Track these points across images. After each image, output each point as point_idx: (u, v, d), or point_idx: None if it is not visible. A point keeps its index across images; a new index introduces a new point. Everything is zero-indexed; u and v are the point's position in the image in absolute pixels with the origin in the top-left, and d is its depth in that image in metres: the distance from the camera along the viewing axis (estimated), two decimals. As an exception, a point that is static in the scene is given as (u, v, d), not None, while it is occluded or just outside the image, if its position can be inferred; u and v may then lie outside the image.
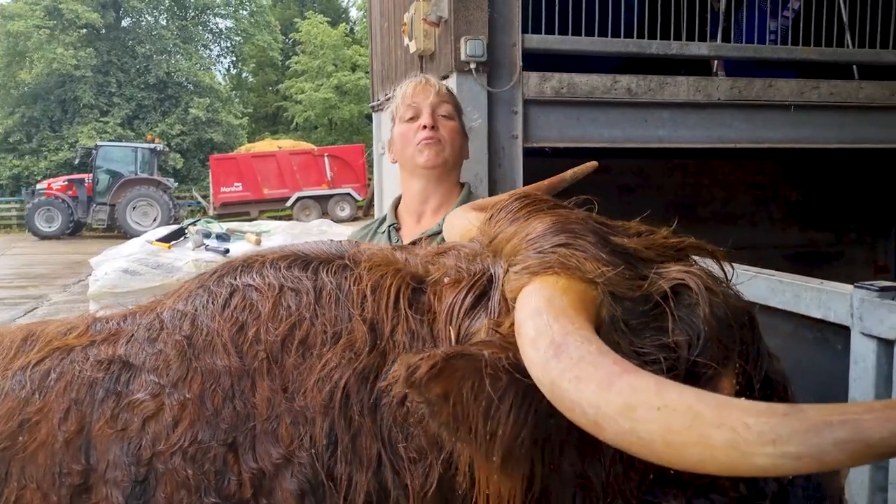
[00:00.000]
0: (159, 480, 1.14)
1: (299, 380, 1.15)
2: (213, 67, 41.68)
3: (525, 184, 4.52)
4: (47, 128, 35.07)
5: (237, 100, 41.11)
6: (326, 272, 1.23)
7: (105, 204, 26.36)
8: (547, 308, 0.97)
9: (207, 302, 1.26)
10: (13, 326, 1.41)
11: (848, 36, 5.19)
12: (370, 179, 22.94)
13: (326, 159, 25.91)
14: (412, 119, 2.47)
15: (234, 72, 45.26)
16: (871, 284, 1.56)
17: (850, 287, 1.57)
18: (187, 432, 1.15)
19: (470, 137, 4.23)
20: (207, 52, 41.90)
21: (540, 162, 4.91)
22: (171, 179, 29.95)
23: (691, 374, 1.02)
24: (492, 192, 4.45)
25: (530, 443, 0.99)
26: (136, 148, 28.44)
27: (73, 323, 1.36)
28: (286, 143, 29.23)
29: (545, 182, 1.78)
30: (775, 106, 4.93)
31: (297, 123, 38.23)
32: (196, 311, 1.26)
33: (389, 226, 2.54)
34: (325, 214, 23.54)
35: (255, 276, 1.26)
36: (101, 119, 34.87)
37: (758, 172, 7.35)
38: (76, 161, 29.74)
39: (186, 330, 1.24)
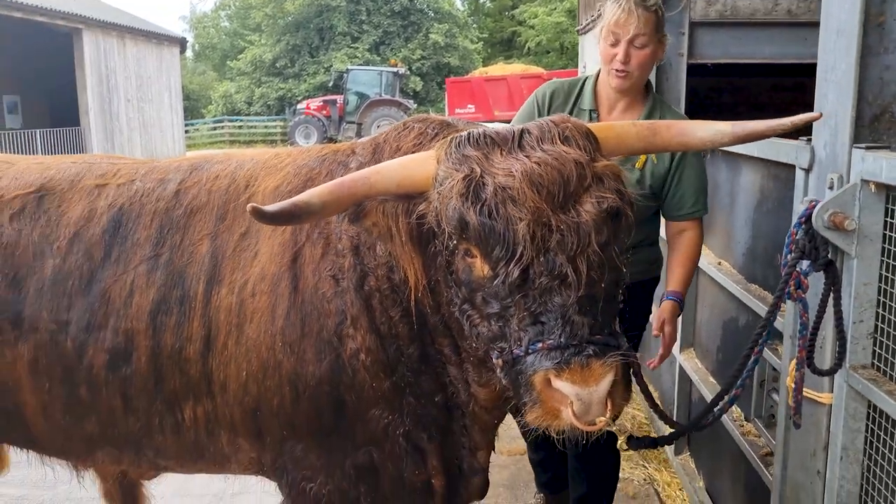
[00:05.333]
0: None
1: None
2: (452, -6, 43.57)
3: (686, 95, 5.33)
4: (307, 54, 38.97)
5: (474, 25, 42.67)
6: (427, 125, 2.34)
7: (353, 122, 29.25)
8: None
9: (392, 130, 2.45)
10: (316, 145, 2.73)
11: None
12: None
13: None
14: (612, 44, 2.90)
15: (472, -2, 46.92)
16: (808, 138, 2.40)
17: (801, 141, 2.43)
18: None
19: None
20: (448, -22, 43.81)
21: (700, 80, 5.65)
22: (411, 101, 32.34)
23: None
24: (658, 102, 5.30)
25: (415, 238, 1.98)
26: (382, 72, 31.01)
27: (351, 145, 2.63)
28: (517, 68, 30.31)
29: (764, 124, 1.92)
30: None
31: (529, 48, 39.11)
32: (383, 135, 2.47)
33: (591, 110, 3.09)
34: (549, 136, 24.38)
35: (424, 122, 2.41)
36: (352, 45, 38.11)
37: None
38: (330, 84, 33.04)
39: (380, 140, 2.45)
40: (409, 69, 36.09)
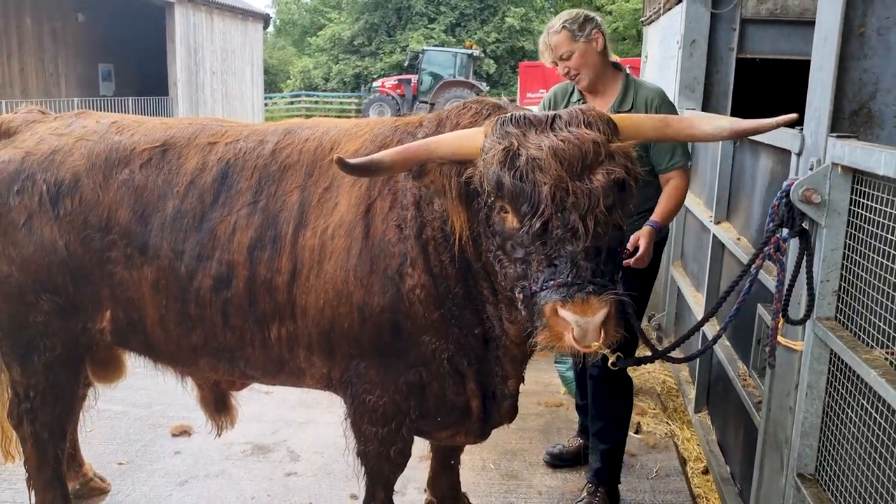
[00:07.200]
0: None
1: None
2: (530, -23, 43.51)
3: (735, 88, 5.67)
4: (384, 33, 39.66)
5: (551, 10, 42.58)
6: (483, 106, 2.81)
7: (426, 102, 29.79)
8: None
9: (454, 108, 2.93)
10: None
11: None
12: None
13: (628, 70, 26.62)
14: (554, 67, 3.76)
15: (550, -18, 46.70)
16: (801, 127, 2.79)
17: (796, 130, 2.82)
18: None
19: (692, 50, 5.48)
20: (527, -38, 43.73)
21: (755, 73, 5.96)
22: (484, 83, 32.69)
23: None
24: (707, 94, 5.68)
25: (462, 195, 2.45)
26: (456, 53, 31.41)
27: (420, 118, 3.12)
28: (591, 54, 30.23)
29: (755, 122, 2.42)
30: None
31: (605, 34, 38.83)
32: (445, 112, 2.95)
33: (579, 100, 3.83)
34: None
35: (481, 104, 2.88)
36: (428, 26, 38.61)
37: None
38: (406, 63, 33.59)
39: (443, 116, 2.93)
40: (484, 52, 36.39)
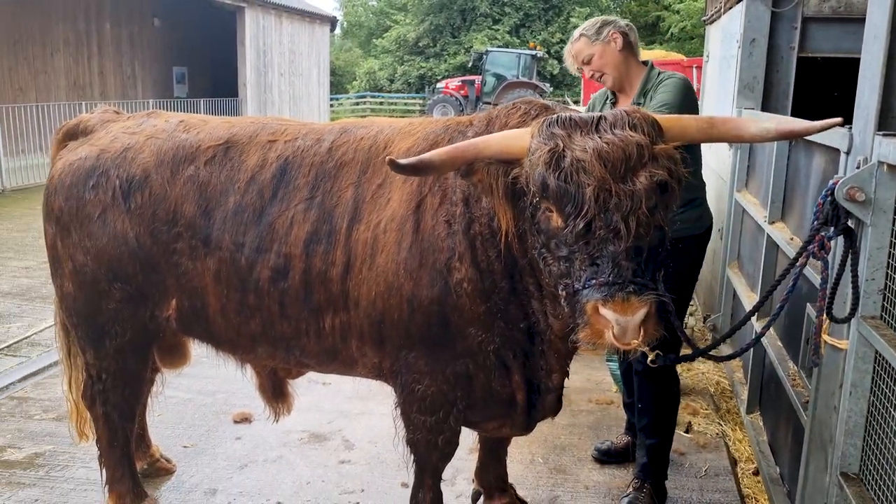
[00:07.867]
0: None
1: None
2: (597, -23, 43.10)
3: (795, 87, 5.59)
4: (448, 34, 39.87)
5: (616, 10, 42.12)
6: (532, 107, 2.88)
7: (489, 103, 29.75)
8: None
9: (503, 109, 3.01)
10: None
11: None
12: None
13: (694, 71, 26.17)
14: (581, 72, 3.97)
15: (617, -19, 46.19)
16: (850, 126, 2.77)
17: (845, 129, 2.80)
18: None
19: (751, 49, 5.43)
20: (594, -39, 43.33)
21: (821, 73, 5.86)
22: (548, 84, 32.54)
23: None
24: (767, 93, 5.61)
25: (508, 194, 2.52)
26: (520, 54, 31.37)
27: (470, 118, 3.21)
28: (658, 54, 29.77)
29: (802, 125, 2.44)
30: None
31: (672, 33, 38.27)
32: (495, 111, 3.04)
33: (613, 101, 3.96)
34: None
35: (529, 105, 2.96)
36: (492, 27, 38.65)
37: None
38: (469, 64, 33.72)
39: (493, 116, 3.02)
40: (548, 52, 36.23)
